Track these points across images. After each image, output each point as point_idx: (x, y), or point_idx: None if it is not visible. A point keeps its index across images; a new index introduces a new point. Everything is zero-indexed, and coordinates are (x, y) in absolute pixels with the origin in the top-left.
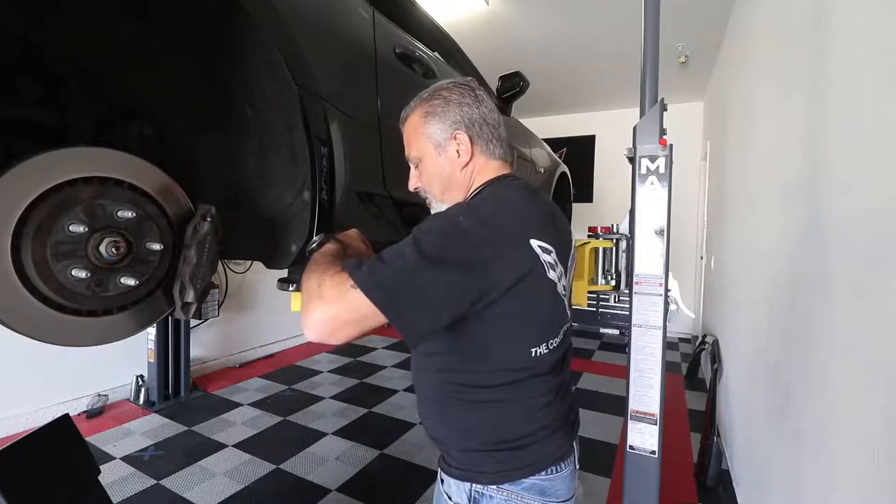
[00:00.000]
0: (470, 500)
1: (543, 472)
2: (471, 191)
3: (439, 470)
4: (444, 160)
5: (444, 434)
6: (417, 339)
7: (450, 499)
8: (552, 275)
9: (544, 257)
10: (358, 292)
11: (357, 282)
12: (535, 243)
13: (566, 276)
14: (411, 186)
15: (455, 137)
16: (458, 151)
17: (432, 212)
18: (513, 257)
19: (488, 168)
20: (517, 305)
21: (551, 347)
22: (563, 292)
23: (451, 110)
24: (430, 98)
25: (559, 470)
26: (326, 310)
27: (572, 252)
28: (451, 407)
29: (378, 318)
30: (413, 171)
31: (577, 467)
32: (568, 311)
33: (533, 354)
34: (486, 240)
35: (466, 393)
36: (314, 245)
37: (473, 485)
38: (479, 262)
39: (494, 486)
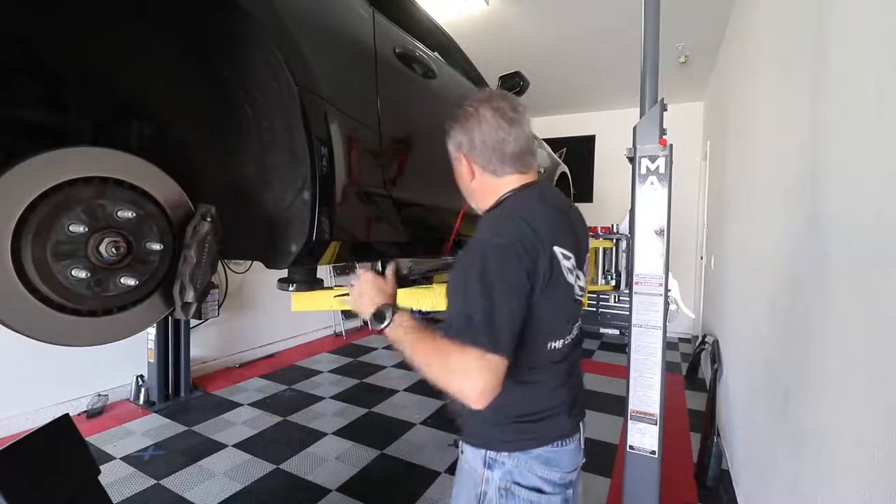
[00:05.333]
0: (484, 464)
1: (550, 445)
2: (491, 200)
3: (461, 442)
4: (459, 173)
5: (475, 413)
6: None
7: (467, 464)
8: (570, 278)
9: (564, 263)
10: (492, 356)
11: (483, 347)
12: (557, 250)
13: (582, 279)
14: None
15: (459, 158)
16: (465, 171)
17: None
18: (544, 263)
19: (499, 184)
20: (542, 306)
21: (566, 342)
22: (580, 294)
23: (456, 134)
24: (451, 119)
25: (564, 444)
26: (479, 381)
27: (587, 257)
28: None
29: (506, 361)
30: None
31: (583, 446)
32: (579, 311)
33: (548, 347)
34: (525, 252)
35: None
36: (384, 326)
37: (488, 451)
38: (529, 272)
39: (507, 454)
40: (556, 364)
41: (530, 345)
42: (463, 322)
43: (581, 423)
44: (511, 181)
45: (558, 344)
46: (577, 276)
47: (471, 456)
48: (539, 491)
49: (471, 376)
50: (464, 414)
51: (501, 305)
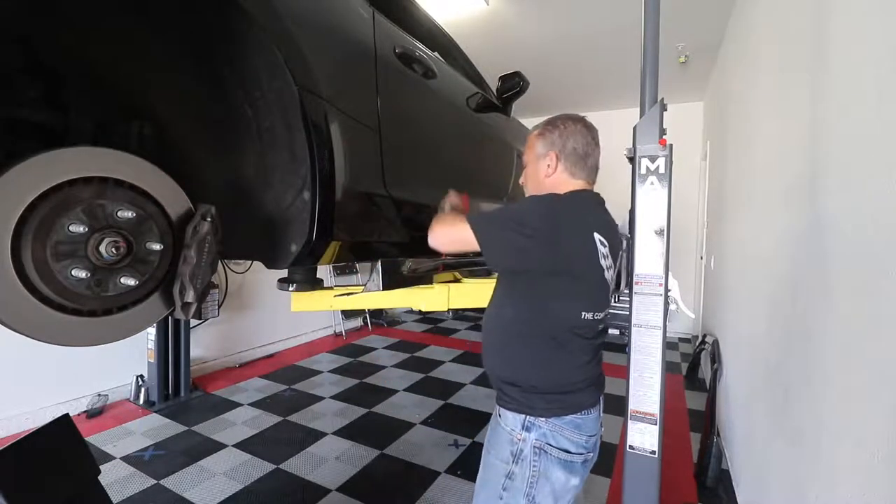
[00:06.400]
0: (522, 426)
1: (579, 413)
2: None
3: (497, 406)
4: (539, 168)
5: (511, 374)
6: (491, 264)
7: (506, 426)
8: (603, 262)
9: (600, 248)
10: (466, 232)
11: (471, 224)
12: (596, 236)
13: (613, 270)
14: (521, 181)
15: (548, 155)
16: (548, 165)
17: None
18: (575, 239)
19: (569, 184)
20: (574, 276)
21: (595, 318)
22: (610, 281)
23: (554, 137)
24: (547, 124)
25: (590, 413)
26: (443, 231)
27: (620, 254)
28: (518, 352)
29: (468, 243)
30: (524, 171)
31: (601, 415)
32: (610, 299)
33: (581, 317)
34: (550, 218)
35: (529, 339)
36: (443, 203)
37: (527, 416)
38: (539, 231)
39: (543, 419)
40: (587, 340)
41: (564, 309)
42: (482, 217)
43: (601, 397)
44: (578, 184)
45: (590, 316)
46: (610, 266)
47: (510, 418)
48: (567, 451)
49: (444, 225)
50: (507, 378)
51: (496, 230)
